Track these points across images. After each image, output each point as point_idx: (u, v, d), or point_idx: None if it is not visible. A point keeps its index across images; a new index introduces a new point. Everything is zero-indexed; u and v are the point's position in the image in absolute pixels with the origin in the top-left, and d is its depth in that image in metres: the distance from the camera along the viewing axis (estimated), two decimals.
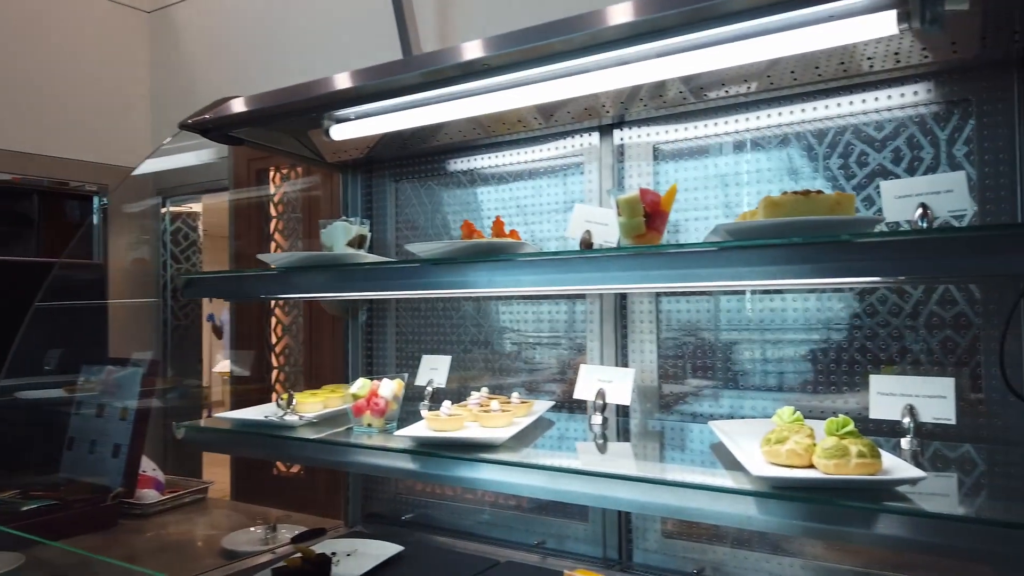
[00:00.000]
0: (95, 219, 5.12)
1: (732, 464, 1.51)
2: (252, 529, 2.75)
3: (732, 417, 2.09)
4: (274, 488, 3.57)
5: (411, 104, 2.18)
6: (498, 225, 1.94)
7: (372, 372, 2.85)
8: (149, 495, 3.14)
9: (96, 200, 5.29)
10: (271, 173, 3.93)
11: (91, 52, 4.27)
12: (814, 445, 1.40)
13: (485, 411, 1.96)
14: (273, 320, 3.68)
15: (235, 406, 3.34)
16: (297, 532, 2.65)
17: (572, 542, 2.32)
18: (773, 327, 2.06)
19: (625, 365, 2.27)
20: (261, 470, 3.60)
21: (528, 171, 2.52)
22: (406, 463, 1.76)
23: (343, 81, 2.02)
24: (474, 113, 2.12)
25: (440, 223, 2.72)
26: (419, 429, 1.88)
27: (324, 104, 2.18)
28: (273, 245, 3.83)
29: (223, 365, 3.30)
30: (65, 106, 4.12)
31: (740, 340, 2.11)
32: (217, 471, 3.76)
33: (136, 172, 4.44)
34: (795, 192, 1.41)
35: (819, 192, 1.41)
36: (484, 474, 1.63)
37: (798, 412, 1.52)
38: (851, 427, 1.36)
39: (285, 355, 3.52)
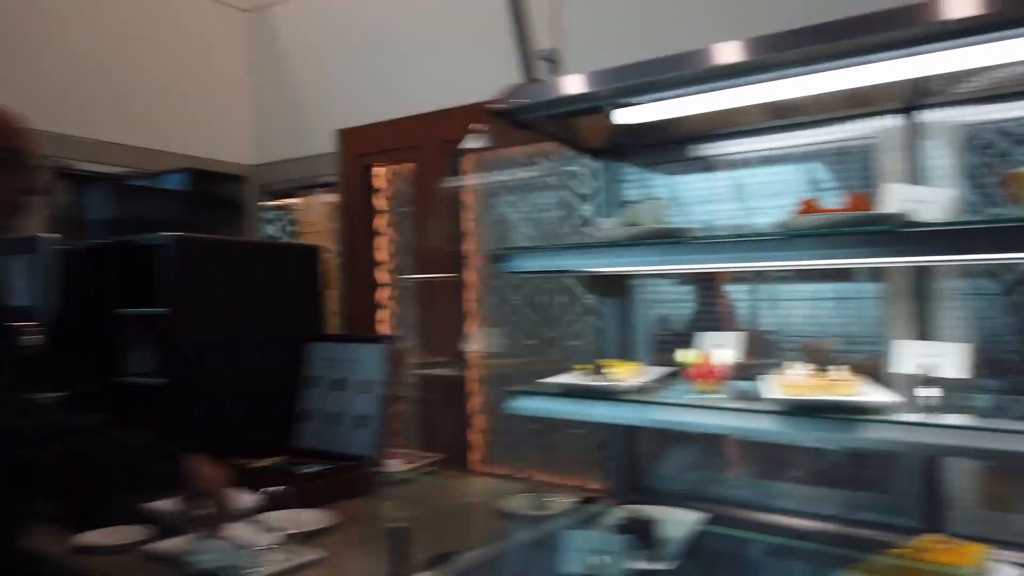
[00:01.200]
0: None
1: None
2: (521, 495, 2.86)
3: None
4: (507, 457, 3.57)
5: (710, 88, 2.23)
6: (857, 199, 1.99)
7: (624, 351, 2.93)
8: (393, 464, 3.31)
9: None
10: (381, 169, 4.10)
11: (189, 50, 4.37)
12: None
13: (831, 380, 2.03)
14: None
15: (498, 382, 3.46)
16: (572, 499, 2.75)
17: (870, 512, 2.38)
18: None
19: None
20: (489, 440, 3.62)
21: (817, 153, 2.57)
22: (786, 427, 1.86)
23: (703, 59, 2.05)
24: (782, 97, 2.17)
25: (710, 209, 2.76)
26: (776, 392, 1.96)
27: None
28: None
29: (475, 343, 3.45)
30: (165, 103, 4.21)
31: None
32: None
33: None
34: None
35: None
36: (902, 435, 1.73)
37: None
38: None
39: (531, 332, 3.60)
